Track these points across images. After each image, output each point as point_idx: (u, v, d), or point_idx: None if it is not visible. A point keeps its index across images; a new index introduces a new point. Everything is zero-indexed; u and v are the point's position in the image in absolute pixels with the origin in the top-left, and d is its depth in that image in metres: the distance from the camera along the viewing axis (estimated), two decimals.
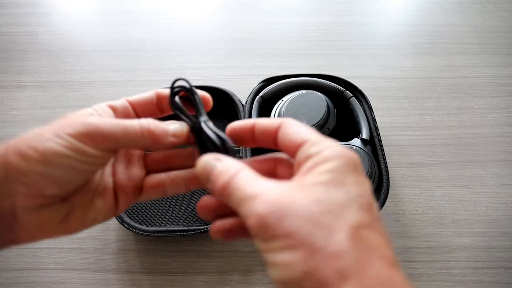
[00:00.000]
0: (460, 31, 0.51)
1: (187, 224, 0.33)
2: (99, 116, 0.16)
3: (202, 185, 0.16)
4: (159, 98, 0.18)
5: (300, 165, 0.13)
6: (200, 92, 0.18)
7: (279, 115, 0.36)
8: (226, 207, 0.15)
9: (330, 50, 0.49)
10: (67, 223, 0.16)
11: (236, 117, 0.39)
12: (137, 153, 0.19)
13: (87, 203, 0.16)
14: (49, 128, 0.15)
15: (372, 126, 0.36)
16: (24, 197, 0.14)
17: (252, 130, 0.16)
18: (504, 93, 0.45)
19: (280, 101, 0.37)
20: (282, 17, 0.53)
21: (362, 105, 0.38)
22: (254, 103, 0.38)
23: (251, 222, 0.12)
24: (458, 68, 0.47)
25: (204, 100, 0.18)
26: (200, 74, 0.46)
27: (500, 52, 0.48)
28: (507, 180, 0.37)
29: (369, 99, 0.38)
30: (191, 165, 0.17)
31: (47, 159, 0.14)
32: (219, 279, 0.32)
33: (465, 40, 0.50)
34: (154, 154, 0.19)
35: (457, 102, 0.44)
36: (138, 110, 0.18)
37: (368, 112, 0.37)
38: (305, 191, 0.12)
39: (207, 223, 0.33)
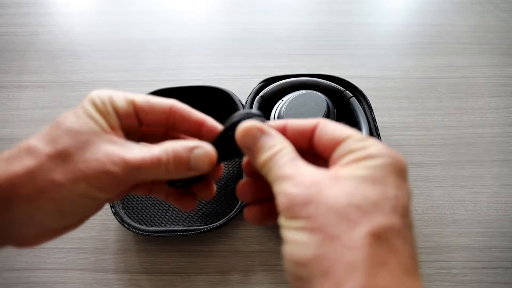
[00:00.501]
0: (460, 31, 0.51)
1: (187, 224, 0.33)
2: (109, 140, 0.14)
3: (178, 204, 0.17)
4: (175, 112, 0.16)
5: (338, 158, 0.13)
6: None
7: (279, 115, 0.36)
8: (263, 190, 0.15)
9: (330, 50, 0.49)
10: (66, 227, 0.15)
11: None
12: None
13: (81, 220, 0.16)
14: (58, 164, 0.13)
15: (372, 126, 0.36)
16: (29, 228, 0.14)
17: (283, 130, 0.15)
18: (504, 93, 0.45)
19: (280, 101, 0.37)
20: (282, 17, 0.53)
21: (362, 105, 0.38)
22: (254, 103, 0.38)
23: (280, 199, 0.13)
24: (458, 68, 0.47)
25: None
26: (200, 74, 0.46)
27: (500, 52, 0.48)
28: (507, 180, 0.37)
29: (369, 99, 0.38)
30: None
31: (61, 208, 0.13)
32: (219, 279, 0.32)
33: (465, 40, 0.50)
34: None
35: (457, 102, 0.44)
36: (143, 115, 0.16)
37: (368, 112, 0.37)
38: (338, 182, 0.12)
39: (207, 222, 0.33)
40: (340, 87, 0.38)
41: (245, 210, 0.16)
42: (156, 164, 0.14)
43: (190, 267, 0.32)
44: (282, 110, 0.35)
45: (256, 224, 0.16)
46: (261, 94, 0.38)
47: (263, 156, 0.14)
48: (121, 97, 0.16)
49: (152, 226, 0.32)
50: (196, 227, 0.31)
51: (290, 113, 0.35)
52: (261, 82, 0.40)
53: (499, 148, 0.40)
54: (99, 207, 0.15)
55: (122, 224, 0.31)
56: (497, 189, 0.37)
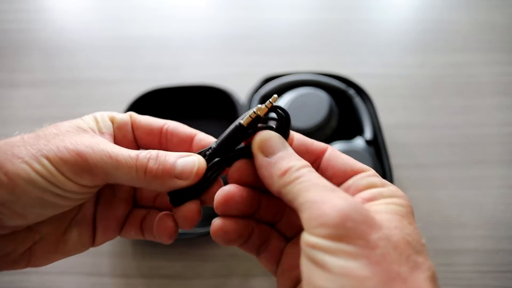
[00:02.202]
0: (467, 28, 0.49)
1: None
2: (94, 134, 0.13)
3: (160, 239, 0.14)
4: (166, 131, 0.15)
5: (358, 189, 0.13)
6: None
7: None
8: (251, 203, 0.14)
9: (332, 47, 0.48)
10: (32, 255, 0.13)
11: (236, 117, 0.38)
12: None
13: (59, 234, 0.14)
14: (29, 142, 0.12)
15: (376, 125, 0.35)
16: None
17: (290, 142, 0.14)
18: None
19: (280, 100, 0.36)
20: (283, 13, 0.52)
21: (365, 104, 0.37)
22: (255, 102, 0.37)
23: (327, 213, 0.10)
24: (464, 66, 0.45)
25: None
26: (198, 72, 0.45)
27: (508, 49, 0.47)
28: None
29: (372, 97, 0.37)
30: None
31: (15, 186, 0.11)
32: (217, 283, 0.31)
33: (471, 37, 0.48)
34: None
35: (463, 100, 0.43)
36: (138, 135, 0.15)
37: (371, 111, 0.36)
38: (379, 214, 0.11)
39: (205, 226, 0.32)
40: (342, 85, 0.37)
41: (219, 223, 0.13)
42: (134, 158, 0.13)
43: (188, 271, 0.31)
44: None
45: (224, 242, 0.14)
46: (261, 92, 0.37)
47: (291, 163, 0.12)
48: (121, 113, 0.16)
49: None
50: (194, 230, 0.31)
51: (291, 112, 0.34)
52: (261, 81, 0.39)
53: (506, 148, 0.39)
54: (65, 203, 0.13)
55: None
56: (505, 191, 0.36)
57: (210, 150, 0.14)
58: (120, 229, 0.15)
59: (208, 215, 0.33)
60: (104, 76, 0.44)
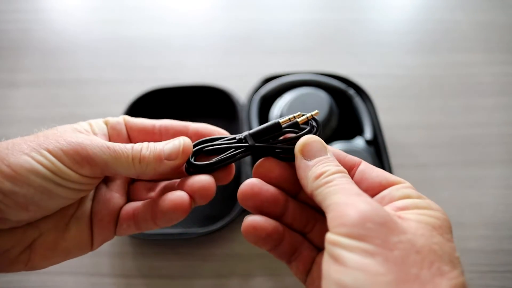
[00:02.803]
0: (467, 28, 0.49)
1: (184, 227, 0.32)
2: (89, 134, 0.14)
3: (164, 221, 0.15)
4: (160, 131, 0.16)
5: (391, 199, 0.13)
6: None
7: (280, 114, 0.35)
8: (278, 203, 0.14)
9: (332, 47, 0.48)
10: (32, 254, 0.13)
11: (236, 116, 0.38)
12: (123, 179, 0.16)
13: (58, 231, 0.14)
14: (29, 139, 0.13)
15: (376, 125, 0.35)
16: None
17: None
18: (511, 91, 0.43)
19: (280, 99, 0.36)
20: (283, 13, 0.52)
21: (365, 104, 0.37)
22: (254, 102, 0.37)
23: (348, 212, 0.11)
24: (464, 66, 0.46)
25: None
26: (199, 73, 0.45)
27: (507, 49, 0.47)
28: None
29: (372, 97, 0.37)
30: None
31: (18, 176, 0.12)
32: (217, 283, 0.31)
33: (471, 37, 0.48)
34: (140, 184, 0.16)
35: (463, 101, 0.43)
36: (132, 135, 0.16)
37: (371, 111, 0.36)
38: (407, 221, 0.11)
39: (205, 225, 0.32)
40: (342, 85, 0.37)
41: (250, 219, 0.14)
42: (129, 149, 0.14)
43: (187, 271, 0.31)
44: (284, 109, 0.34)
45: (254, 240, 0.14)
46: (261, 92, 0.37)
47: (327, 167, 0.13)
48: (108, 118, 0.16)
49: None
50: (194, 230, 0.31)
51: (292, 112, 0.34)
52: (261, 81, 0.39)
53: (507, 148, 0.39)
54: (67, 194, 0.13)
55: None
56: (505, 191, 0.36)
57: (241, 136, 0.16)
58: (115, 225, 0.15)
59: (209, 215, 0.33)
60: (104, 76, 0.44)
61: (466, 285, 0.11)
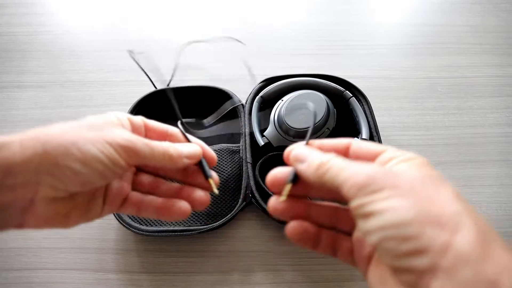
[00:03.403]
0: (460, 31, 0.51)
1: (187, 224, 0.33)
2: (123, 128, 0.18)
3: (169, 218, 0.19)
4: (170, 134, 0.21)
5: (383, 164, 0.15)
6: (205, 153, 0.20)
7: (279, 115, 0.36)
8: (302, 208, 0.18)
9: (330, 50, 0.49)
10: (68, 218, 0.17)
11: (236, 117, 0.39)
12: (132, 169, 0.21)
13: (87, 203, 0.18)
14: (89, 130, 0.16)
15: (372, 126, 0.36)
16: (48, 188, 0.15)
17: (320, 149, 0.18)
18: (504, 93, 0.45)
19: (280, 101, 0.37)
20: (282, 17, 0.53)
21: (362, 105, 0.38)
22: (254, 103, 0.38)
23: (358, 178, 0.14)
24: (458, 68, 0.47)
25: (209, 159, 0.20)
26: (200, 74, 0.46)
27: (500, 52, 0.48)
28: (507, 180, 0.37)
29: (369, 99, 0.38)
30: (173, 196, 0.20)
31: (87, 160, 0.15)
32: (219, 279, 0.32)
33: (465, 40, 0.50)
34: (144, 176, 0.21)
35: (457, 102, 0.44)
36: (149, 134, 0.20)
37: (368, 112, 0.37)
38: (402, 169, 0.14)
39: (207, 222, 0.33)
40: (340, 87, 0.38)
41: (290, 225, 0.17)
42: (159, 145, 0.18)
43: (190, 267, 0.32)
44: (282, 110, 0.35)
45: (296, 240, 0.17)
46: (261, 94, 0.38)
47: (320, 159, 0.16)
48: (134, 116, 0.20)
49: (152, 226, 0.32)
50: (196, 227, 0.31)
51: (290, 113, 0.35)
52: (261, 82, 0.40)
53: (499, 148, 0.40)
54: (113, 177, 0.17)
55: (122, 224, 0.31)
56: (497, 189, 0.37)
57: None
58: (120, 206, 0.20)
59: (210, 212, 0.34)
60: (109, 78, 0.45)
61: (460, 194, 0.13)
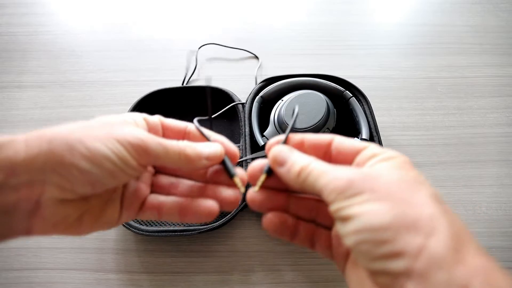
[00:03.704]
0: (460, 31, 0.51)
1: (187, 224, 0.33)
2: (139, 128, 0.17)
3: (194, 219, 0.18)
4: (188, 132, 0.19)
5: (363, 162, 0.15)
6: (228, 149, 0.18)
7: (279, 115, 0.36)
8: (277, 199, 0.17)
9: (330, 50, 0.49)
10: (80, 223, 0.16)
11: (236, 117, 0.39)
12: (149, 169, 0.19)
13: (101, 207, 0.17)
14: (98, 126, 0.15)
15: (372, 126, 0.36)
16: (55, 188, 0.14)
17: (301, 144, 0.17)
18: (504, 93, 0.45)
19: (280, 101, 0.37)
20: (282, 17, 0.53)
21: (362, 105, 0.38)
22: (254, 103, 0.38)
23: (337, 183, 0.14)
24: (458, 68, 0.47)
25: (231, 156, 0.19)
26: (200, 74, 0.46)
27: (500, 52, 0.48)
28: (507, 180, 0.38)
29: (369, 99, 0.38)
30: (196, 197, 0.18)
31: (94, 158, 0.14)
32: (219, 279, 0.32)
33: (465, 40, 0.50)
34: (163, 178, 0.19)
35: (457, 102, 0.44)
36: (166, 133, 0.19)
37: (368, 112, 0.37)
38: (381, 170, 0.14)
39: (207, 222, 0.33)
40: (340, 87, 0.38)
41: (265, 219, 0.17)
42: (176, 146, 0.17)
43: (190, 267, 0.32)
44: (282, 110, 0.35)
45: (273, 232, 0.17)
46: (261, 94, 0.38)
47: (300, 164, 0.15)
48: (151, 116, 0.19)
49: (152, 226, 0.32)
50: (196, 227, 0.31)
51: (290, 113, 0.35)
52: (261, 82, 0.40)
53: (499, 148, 0.40)
54: (124, 177, 0.16)
55: (122, 224, 0.31)
56: (497, 189, 0.37)
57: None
58: (139, 210, 0.18)
59: None
60: (109, 78, 0.45)
61: (438, 194, 0.13)
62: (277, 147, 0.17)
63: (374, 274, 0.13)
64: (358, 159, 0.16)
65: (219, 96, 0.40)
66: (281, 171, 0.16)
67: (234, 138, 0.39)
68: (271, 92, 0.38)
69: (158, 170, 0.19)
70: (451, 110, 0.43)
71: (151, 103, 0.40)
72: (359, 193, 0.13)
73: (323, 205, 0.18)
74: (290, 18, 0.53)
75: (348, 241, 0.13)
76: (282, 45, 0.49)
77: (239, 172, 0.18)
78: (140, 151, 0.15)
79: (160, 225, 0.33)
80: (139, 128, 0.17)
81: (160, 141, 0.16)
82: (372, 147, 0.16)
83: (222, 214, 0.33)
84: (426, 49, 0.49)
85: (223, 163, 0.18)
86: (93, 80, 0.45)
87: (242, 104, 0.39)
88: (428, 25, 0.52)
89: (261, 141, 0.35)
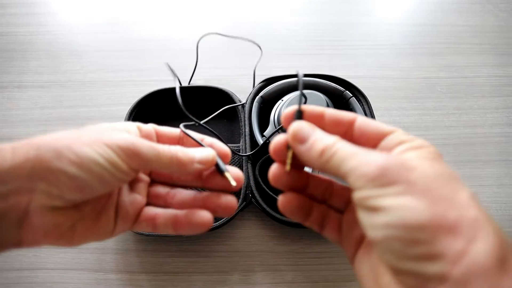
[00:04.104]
0: (460, 31, 0.51)
1: None
2: (128, 133, 0.17)
3: (188, 232, 0.17)
4: (183, 138, 0.19)
5: (390, 147, 0.14)
6: (218, 149, 0.18)
7: (279, 115, 0.36)
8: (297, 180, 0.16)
9: (330, 50, 0.49)
10: (73, 233, 0.15)
11: (236, 117, 0.39)
12: (144, 179, 0.19)
13: (95, 217, 0.16)
14: (87, 133, 0.15)
15: None
16: (43, 195, 0.14)
17: (321, 117, 0.16)
18: (503, 93, 0.45)
19: (280, 101, 0.37)
20: (281, 17, 0.53)
21: (361, 105, 0.38)
22: (254, 103, 0.38)
23: (368, 169, 0.12)
24: (457, 68, 0.47)
25: (223, 157, 0.18)
26: (200, 74, 0.46)
27: (500, 52, 0.48)
28: (506, 180, 0.38)
29: (368, 99, 0.38)
30: (192, 205, 0.18)
31: (82, 164, 0.14)
32: (219, 279, 0.32)
33: (464, 40, 0.50)
34: (159, 188, 0.19)
35: (457, 102, 0.44)
36: (161, 140, 0.19)
37: (367, 112, 0.37)
38: (414, 161, 0.13)
39: None
40: (340, 87, 0.38)
41: (283, 197, 0.16)
42: (168, 150, 0.17)
43: (189, 267, 0.32)
44: (282, 110, 0.35)
45: (289, 213, 0.16)
46: (261, 94, 0.38)
47: (324, 143, 0.14)
48: (140, 125, 0.19)
49: None
50: None
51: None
52: (261, 82, 0.40)
53: (498, 148, 0.40)
54: (114, 182, 0.15)
55: None
56: (497, 189, 0.37)
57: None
58: (134, 221, 0.18)
59: None
60: (109, 78, 0.45)
61: (477, 196, 0.12)
62: (297, 122, 0.15)
63: (400, 273, 0.12)
64: (383, 143, 0.14)
65: (219, 96, 0.40)
66: (301, 149, 0.15)
67: (234, 138, 0.39)
68: (271, 92, 0.38)
69: (154, 180, 0.19)
70: (451, 110, 0.43)
71: (151, 103, 0.40)
72: (394, 183, 0.12)
73: (337, 187, 0.17)
74: (290, 18, 0.53)
75: (374, 234, 0.12)
76: (282, 45, 0.49)
77: (232, 169, 0.18)
78: (130, 154, 0.15)
79: None
80: (130, 134, 0.17)
81: (151, 144, 0.16)
82: (400, 132, 0.14)
83: None
84: (426, 49, 0.49)
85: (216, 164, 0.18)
86: (93, 80, 0.45)
87: (242, 104, 0.39)
88: (428, 25, 0.52)
89: (261, 141, 0.35)
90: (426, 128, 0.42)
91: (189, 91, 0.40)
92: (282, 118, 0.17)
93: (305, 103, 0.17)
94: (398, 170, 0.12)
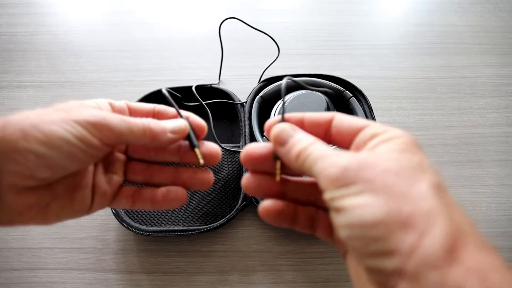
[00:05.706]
0: (460, 31, 0.51)
1: (187, 224, 0.33)
2: (99, 109, 0.17)
3: (166, 207, 0.18)
4: (157, 112, 0.19)
5: (364, 142, 0.14)
6: (194, 122, 0.18)
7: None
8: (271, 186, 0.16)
9: (330, 50, 0.49)
10: (47, 212, 0.16)
11: (236, 117, 0.39)
12: (121, 158, 0.19)
13: (69, 195, 0.16)
14: (55, 112, 0.15)
15: None
16: (13, 175, 0.14)
17: (301, 123, 0.17)
18: (504, 93, 0.45)
19: (280, 101, 0.37)
20: (281, 17, 0.53)
21: (362, 105, 0.38)
22: (254, 103, 0.38)
23: (329, 171, 0.13)
24: (457, 68, 0.47)
25: (198, 128, 0.18)
26: (200, 74, 0.46)
27: (500, 52, 0.48)
28: (506, 180, 0.38)
29: (369, 99, 0.38)
30: (170, 181, 0.18)
31: (50, 142, 0.14)
32: (219, 279, 0.32)
33: (465, 40, 0.50)
34: (136, 164, 0.19)
35: (457, 102, 0.44)
36: (134, 115, 0.19)
37: (368, 112, 0.37)
38: (380, 155, 0.13)
39: (207, 222, 0.33)
40: (340, 87, 0.38)
41: (263, 205, 0.16)
42: (140, 122, 0.16)
43: (190, 267, 0.32)
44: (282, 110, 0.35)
45: (271, 220, 0.16)
46: (261, 94, 0.38)
47: (300, 145, 0.15)
48: (112, 101, 0.19)
49: (152, 226, 0.32)
50: (196, 227, 0.32)
51: (290, 113, 0.35)
52: (261, 82, 0.40)
53: (499, 148, 0.40)
54: (86, 159, 0.15)
55: (122, 224, 0.31)
56: (497, 189, 0.37)
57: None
58: (112, 199, 0.18)
59: (210, 212, 0.34)
60: (109, 78, 0.45)
61: (441, 183, 0.12)
62: (279, 125, 0.16)
63: (367, 270, 0.12)
64: (358, 139, 0.15)
65: (219, 96, 0.40)
66: (281, 151, 0.15)
67: (234, 138, 0.39)
68: (271, 92, 0.38)
69: (132, 157, 0.19)
70: (451, 110, 0.43)
71: (151, 103, 0.40)
72: (352, 183, 0.12)
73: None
74: (290, 18, 0.53)
75: (341, 234, 0.12)
76: (282, 45, 0.49)
77: (208, 145, 0.18)
78: (101, 128, 0.15)
79: (160, 225, 0.33)
80: (102, 110, 0.16)
81: (123, 117, 0.16)
82: (373, 125, 0.14)
83: (222, 214, 0.33)
84: (426, 49, 0.49)
85: (188, 137, 0.18)
86: (93, 80, 0.45)
87: (242, 104, 0.39)
88: (428, 25, 0.52)
89: (261, 141, 0.35)
90: (426, 128, 0.41)
91: (189, 91, 0.40)
92: (265, 130, 0.17)
93: (283, 105, 0.18)
94: (358, 170, 0.12)
